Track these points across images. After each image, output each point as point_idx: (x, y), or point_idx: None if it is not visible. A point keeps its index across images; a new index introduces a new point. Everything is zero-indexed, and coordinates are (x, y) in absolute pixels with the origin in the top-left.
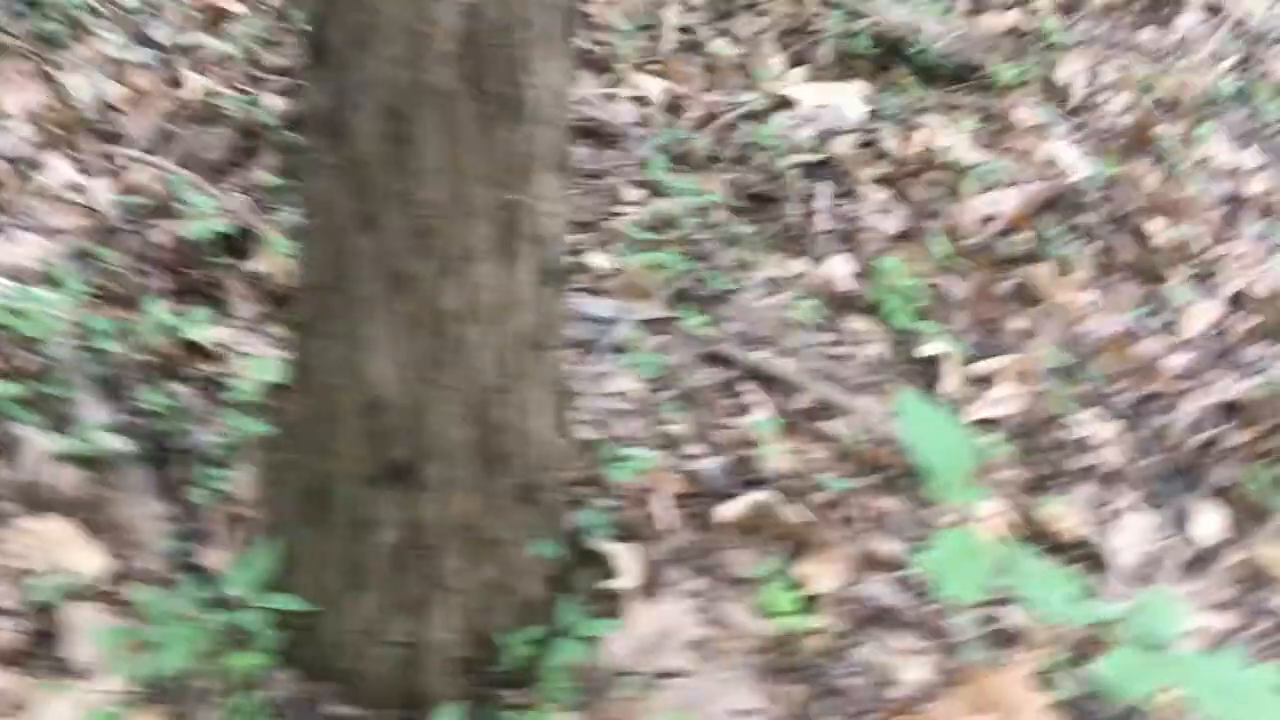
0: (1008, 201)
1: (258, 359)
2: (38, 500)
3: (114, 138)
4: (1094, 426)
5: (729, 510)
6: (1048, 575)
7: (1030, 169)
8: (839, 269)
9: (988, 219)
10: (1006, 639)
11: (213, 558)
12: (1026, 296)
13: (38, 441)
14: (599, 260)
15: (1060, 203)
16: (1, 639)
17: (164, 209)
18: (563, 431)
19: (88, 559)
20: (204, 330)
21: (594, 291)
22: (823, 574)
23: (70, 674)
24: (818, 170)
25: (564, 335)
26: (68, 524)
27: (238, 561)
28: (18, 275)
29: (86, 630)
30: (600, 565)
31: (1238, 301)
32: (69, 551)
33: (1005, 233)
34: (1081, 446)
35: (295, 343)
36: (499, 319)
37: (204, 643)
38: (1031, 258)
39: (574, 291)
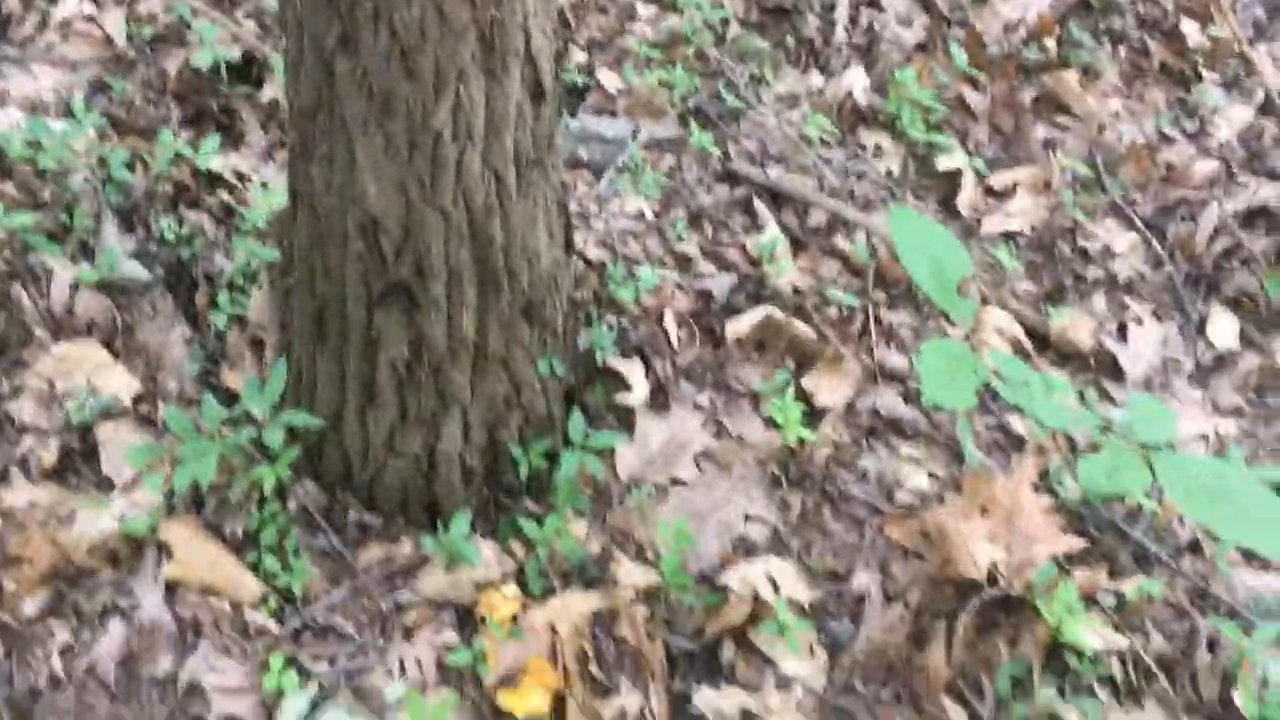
0: (1036, 5)
1: (269, 186)
2: (68, 327)
3: None
4: (1113, 236)
5: (739, 326)
6: (1049, 384)
7: None
8: (856, 82)
9: (1013, 25)
10: (1011, 447)
11: (234, 378)
12: (1050, 105)
13: (64, 271)
14: (610, 79)
15: (1090, 6)
16: (41, 456)
17: (175, 38)
18: (567, 249)
19: (118, 381)
20: (218, 159)
21: (605, 111)
22: (831, 387)
23: (106, 488)
24: None
25: (561, 152)
26: (97, 348)
27: (256, 381)
28: (36, 108)
29: (120, 447)
30: (612, 381)
31: (1268, 107)
32: (100, 374)
33: (1030, 39)
34: (1099, 256)
35: (292, 166)
36: (490, 138)
37: (229, 457)
38: (1057, 65)
39: (584, 112)
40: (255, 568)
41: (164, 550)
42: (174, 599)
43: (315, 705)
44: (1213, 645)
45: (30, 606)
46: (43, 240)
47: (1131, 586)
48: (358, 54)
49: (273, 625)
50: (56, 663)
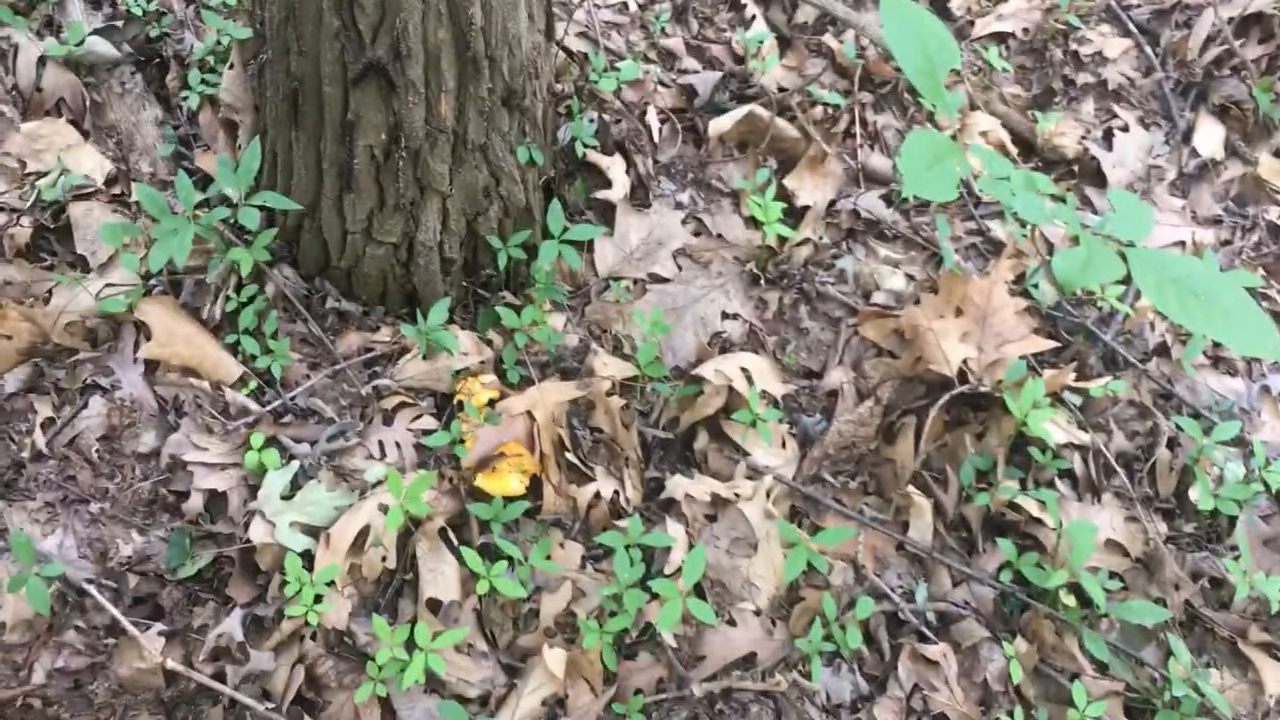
0: None
1: None
2: (36, 105)
3: None
4: (1106, 41)
5: (722, 123)
6: (1030, 180)
7: None
8: None
9: None
10: (990, 252)
11: (207, 160)
12: None
13: (31, 46)
14: None
15: None
16: (14, 235)
17: None
18: (548, 36)
19: (89, 160)
20: None
21: None
22: (813, 186)
23: (82, 268)
24: None
25: None
26: (67, 128)
27: (229, 162)
28: None
29: (94, 226)
30: (592, 175)
31: None
32: (71, 154)
33: None
34: (1091, 61)
35: None
36: None
37: (205, 239)
38: None
39: None
40: (234, 349)
41: (142, 330)
42: (153, 378)
43: (297, 483)
44: (1172, 444)
45: (11, 382)
46: (7, 13)
47: (1098, 385)
48: None
49: (253, 405)
50: (39, 437)
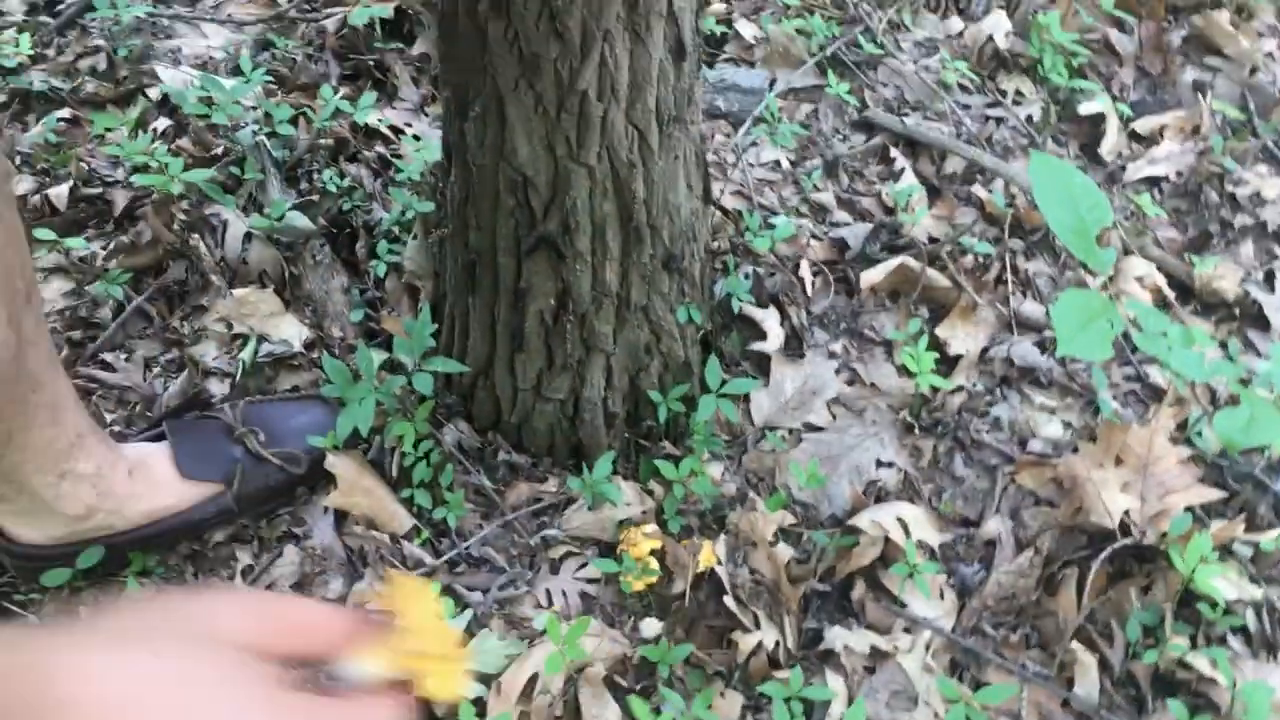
0: None
1: (422, 139)
2: (241, 275)
3: None
4: (1263, 182)
5: (873, 274)
6: (1188, 334)
7: None
8: (997, 26)
9: None
10: (1148, 397)
11: (392, 323)
12: (1200, 47)
13: (238, 222)
14: (748, 29)
15: None
16: (215, 390)
17: None
18: (705, 200)
19: (289, 327)
20: (374, 113)
21: (743, 61)
22: (965, 335)
23: None
24: None
25: (700, 104)
26: (270, 295)
27: (409, 328)
28: (207, 66)
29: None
30: (748, 328)
31: None
32: (272, 320)
33: None
34: (1248, 203)
35: (446, 124)
36: (633, 96)
37: (388, 401)
38: (1209, 4)
39: (722, 62)
40: (409, 503)
41: (332, 482)
42: (342, 529)
43: (470, 631)
44: None
45: (218, 533)
46: (218, 192)
47: (1269, 538)
48: (508, 17)
49: (428, 557)
50: (239, 584)
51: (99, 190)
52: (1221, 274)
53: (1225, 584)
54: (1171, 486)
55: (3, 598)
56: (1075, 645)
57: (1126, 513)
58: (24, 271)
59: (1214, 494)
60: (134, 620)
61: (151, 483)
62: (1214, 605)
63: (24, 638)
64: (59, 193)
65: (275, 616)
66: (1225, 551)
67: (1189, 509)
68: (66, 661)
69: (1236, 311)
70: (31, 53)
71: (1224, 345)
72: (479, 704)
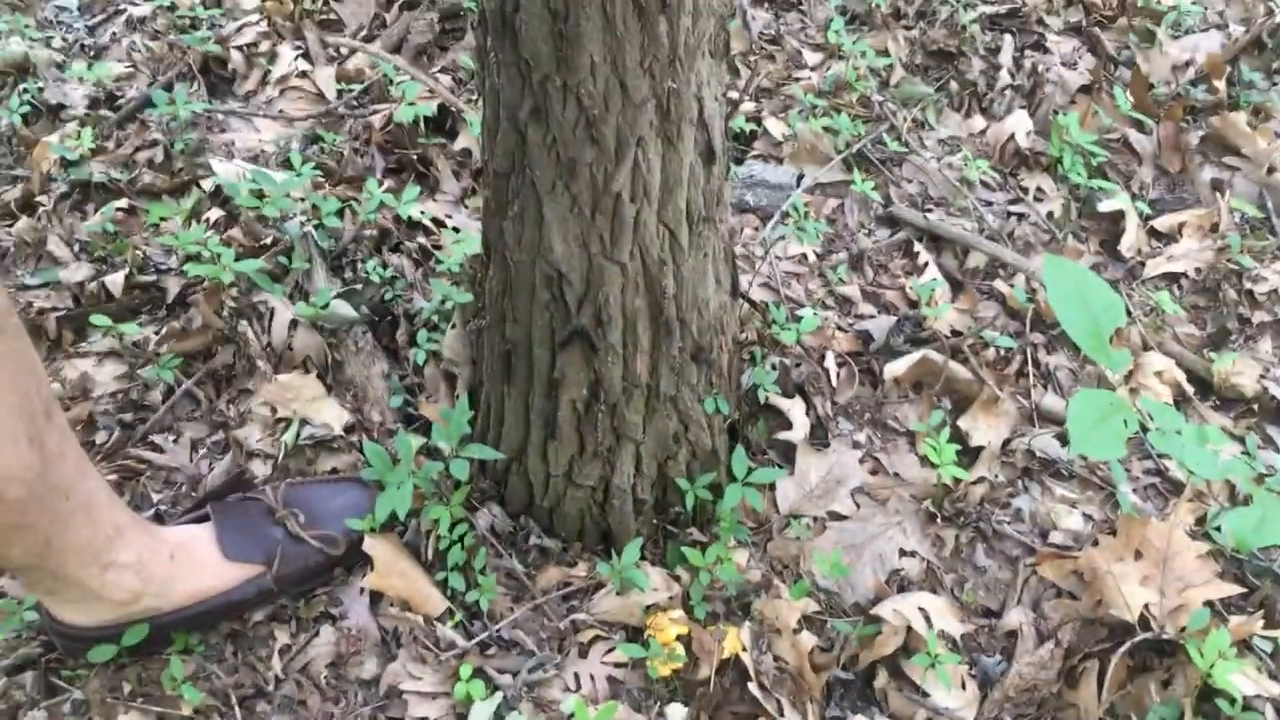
0: (1206, 45)
1: (461, 232)
2: (286, 361)
3: (333, 26)
4: None
5: (897, 367)
6: (1201, 433)
7: (1233, 7)
8: (1019, 125)
9: (1181, 66)
10: (1168, 491)
11: (430, 409)
12: (1217, 147)
13: (284, 310)
14: (776, 127)
15: (1263, 45)
16: (258, 471)
17: (379, 93)
18: (733, 294)
19: (330, 411)
20: (417, 206)
21: (771, 158)
22: (987, 427)
23: None
24: (1004, 20)
25: (730, 207)
26: (314, 381)
27: (446, 415)
28: (259, 159)
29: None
30: (773, 418)
31: None
32: (315, 405)
33: (1199, 80)
34: (1267, 300)
35: (486, 222)
36: (665, 197)
37: (424, 486)
38: (1226, 105)
39: (751, 159)
40: (443, 585)
41: (368, 564)
42: (377, 610)
43: (500, 713)
44: None
45: (258, 612)
46: (267, 281)
47: None
48: (547, 123)
49: (460, 639)
50: (276, 662)
51: (153, 278)
52: (1240, 370)
53: (1244, 680)
54: (1190, 581)
55: (50, 673)
56: None
57: (1146, 606)
58: (40, 391)
59: (1233, 589)
60: None
61: (195, 564)
62: (1233, 701)
63: None
64: (115, 280)
65: None
66: (1244, 646)
67: (1208, 603)
68: None
69: (1255, 407)
70: (93, 145)
71: (1242, 440)
72: None
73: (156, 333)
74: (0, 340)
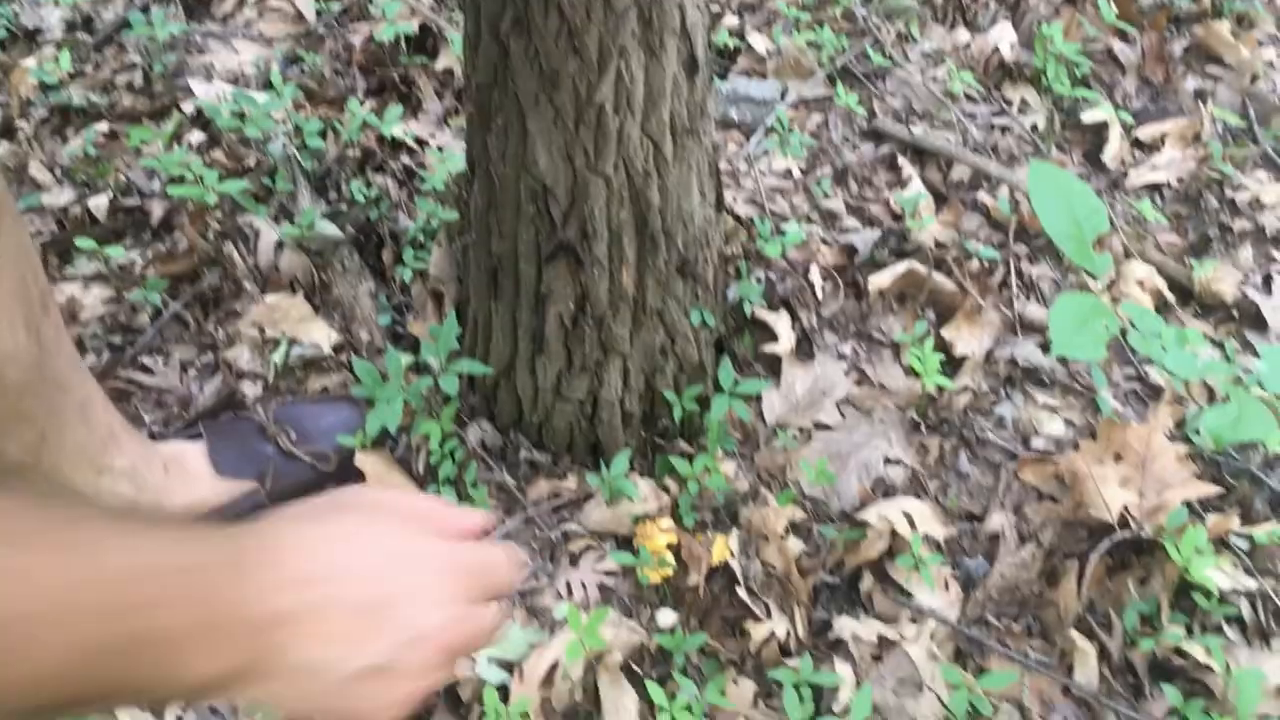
0: None
1: (445, 151)
2: (273, 282)
3: None
4: (1262, 188)
5: (881, 279)
6: (1181, 335)
7: None
8: (1003, 38)
9: None
10: (1149, 396)
11: (418, 327)
12: (1201, 56)
13: (269, 231)
14: (760, 42)
15: None
16: (249, 392)
17: (359, 13)
18: (718, 208)
19: (319, 331)
20: (400, 126)
21: (754, 73)
22: (970, 337)
23: None
24: None
25: (713, 116)
26: (301, 301)
27: (435, 332)
28: (238, 81)
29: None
30: (759, 331)
31: None
32: (303, 325)
33: None
34: (1248, 208)
35: (470, 136)
36: (648, 109)
37: (414, 402)
38: (1210, 14)
39: (735, 74)
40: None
41: (360, 480)
42: None
43: None
44: None
45: None
46: (251, 202)
47: (1264, 531)
48: (529, 35)
49: None
50: None
51: (137, 201)
52: (1220, 277)
53: (1220, 575)
54: (1169, 482)
55: None
56: (1075, 634)
57: (1125, 507)
58: (38, 281)
59: (1210, 489)
60: (323, 503)
61: (187, 477)
62: (1209, 595)
63: (244, 527)
64: (98, 203)
65: (424, 511)
66: (1221, 544)
67: (1186, 503)
68: (286, 530)
69: (1235, 313)
70: (70, 69)
71: (1221, 346)
72: (502, 690)
73: (142, 256)
74: None
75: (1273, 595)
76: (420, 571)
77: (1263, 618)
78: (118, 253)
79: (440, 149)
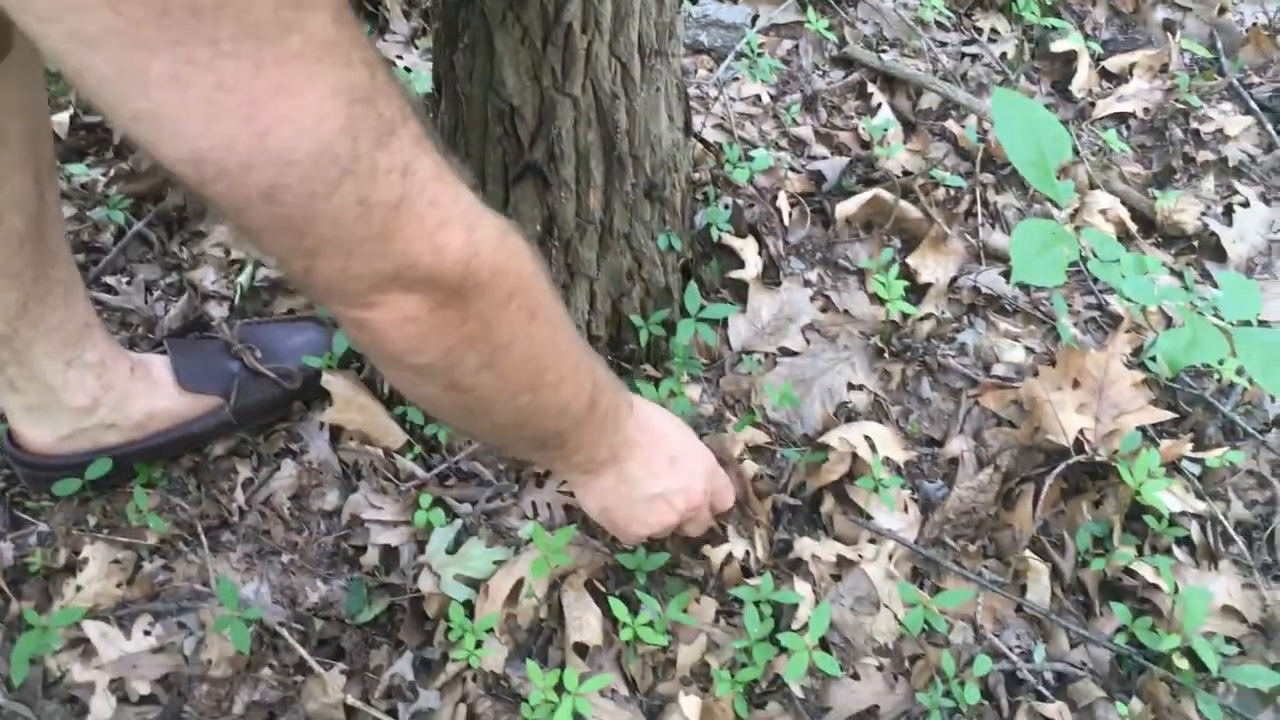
0: None
1: (412, 71)
2: None
3: None
4: (1227, 119)
5: (848, 206)
6: (1140, 262)
7: None
8: None
9: None
10: (1108, 325)
11: None
12: None
13: None
14: None
15: None
16: (214, 313)
17: None
18: (686, 132)
19: None
20: None
21: None
22: (934, 264)
23: None
24: None
25: (682, 40)
26: None
27: None
28: None
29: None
30: (726, 257)
31: None
32: None
33: None
34: (1211, 139)
35: (437, 55)
36: (616, 29)
37: None
38: None
39: None
40: (402, 419)
41: (327, 400)
42: (337, 444)
43: (459, 539)
44: None
45: (218, 447)
46: None
47: (1215, 456)
48: None
49: (420, 470)
50: (240, 495)
51: (99, 118)
52: (1182, 208)
53: (1171, 498)
54: (1125, 408)
55: (15, 506)
56: (1029, 555)
57: (1081, 432)
58: (49, 141)
59: (1165, 415)
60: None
61: (152, 382)
62: (1160, 518)
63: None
64: (60, 120)
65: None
66: (1173, 469)
67: (1140, 429)
68: (653, 407)
69: (1195, 243)
70: None
71: (1181, 276)
72: (468, 606)
73: (105, 174)
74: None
75: (1221, 518)
76: (702, 463)
77: (1211, 539)
78: (80, 170)
79: (408, 70)
